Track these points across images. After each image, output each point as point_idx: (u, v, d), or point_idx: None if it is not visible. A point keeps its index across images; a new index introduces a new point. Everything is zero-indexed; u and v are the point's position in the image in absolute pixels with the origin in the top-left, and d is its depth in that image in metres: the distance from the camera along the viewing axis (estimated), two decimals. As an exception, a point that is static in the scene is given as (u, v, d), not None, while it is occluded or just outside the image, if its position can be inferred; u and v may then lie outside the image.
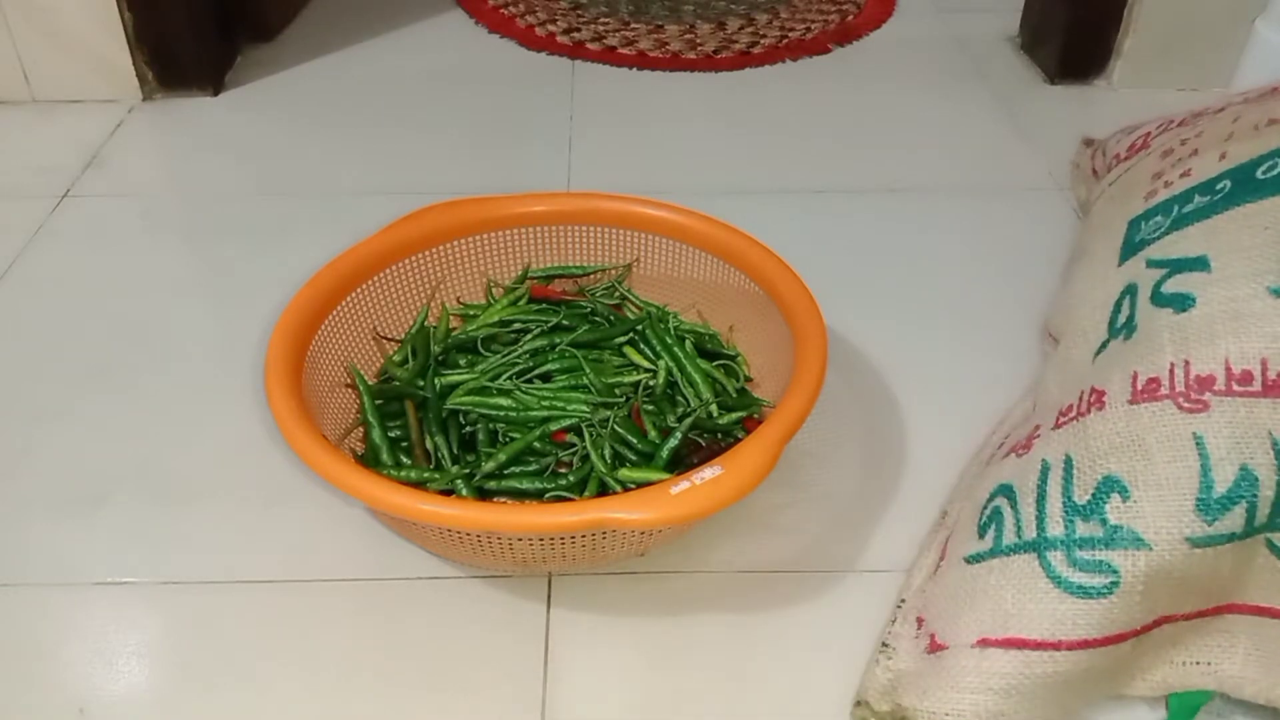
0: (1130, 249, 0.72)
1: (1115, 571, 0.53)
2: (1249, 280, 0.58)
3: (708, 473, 0.58)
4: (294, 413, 0.63)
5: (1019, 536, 0.58)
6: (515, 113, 1.22)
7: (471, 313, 0.82)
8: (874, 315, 0.89)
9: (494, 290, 0.84)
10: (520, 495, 0.69)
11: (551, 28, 1.43)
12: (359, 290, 0.76)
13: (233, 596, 0.66)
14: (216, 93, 1.24)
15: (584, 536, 0.61)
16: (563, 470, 0.69)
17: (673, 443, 0.69)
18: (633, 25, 1.44)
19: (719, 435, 0.72)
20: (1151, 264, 0.67)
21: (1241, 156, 0.68)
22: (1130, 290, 0.67)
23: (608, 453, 0.69)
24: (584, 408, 0.72)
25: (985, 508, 0.63)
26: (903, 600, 0.64)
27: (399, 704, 0.59)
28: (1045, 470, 0.60)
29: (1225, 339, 0.57)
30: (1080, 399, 0.62)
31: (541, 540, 0.61)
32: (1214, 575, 0.54)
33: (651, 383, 0.75)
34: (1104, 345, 0.66)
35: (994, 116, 1.21)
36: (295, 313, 0.71)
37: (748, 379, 0.79)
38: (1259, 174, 0.64)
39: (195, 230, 1.01)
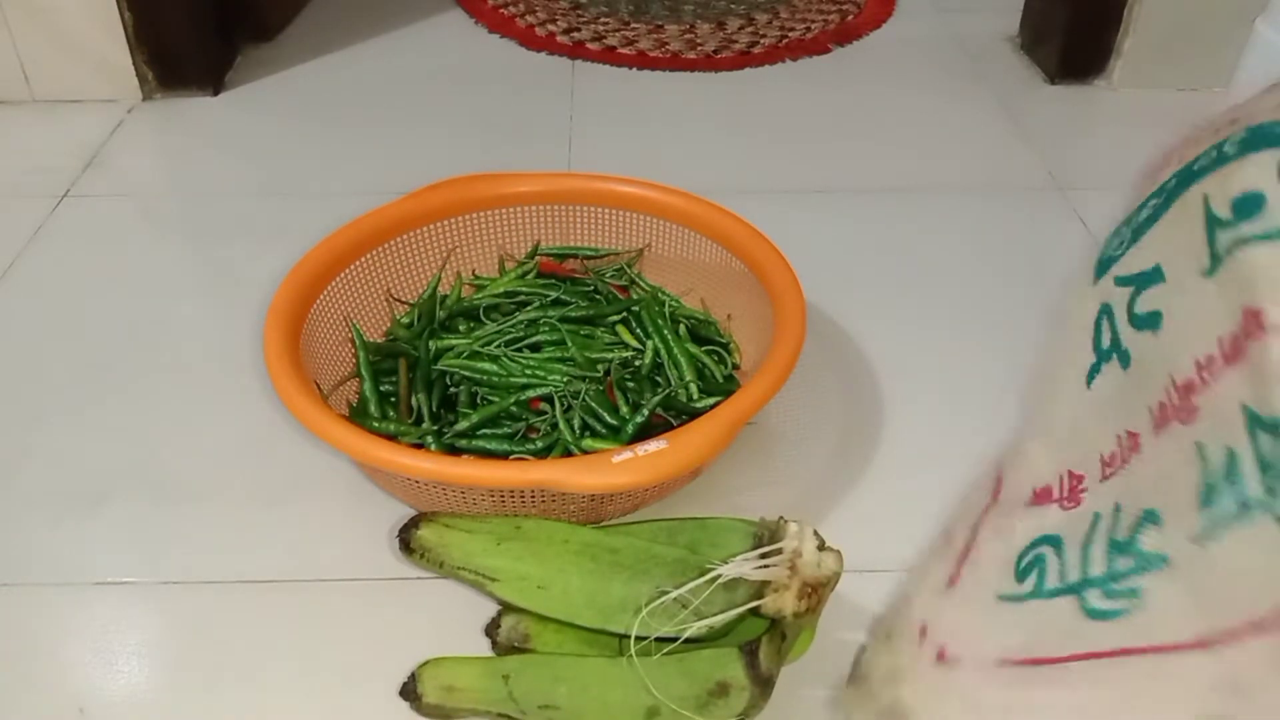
0: (1101, 267, 0.72)
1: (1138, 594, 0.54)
2: (1190, 276, 0.58)
3: (653, 445, 0.60)
4: (281, 357, 0.67)
5: (1062, 580, 0.59)
6: (515, 112, 1.22)
7: (483, 283, 0.85)
8: (872, 313, 0.89)
9: (506, 264, 0.87)
10: (488, 455, 0.71)
11: (551, 28, 1.43)
12: (375, 252, 0.80)
13: (233, 596, 0.66)
14: (216, 93, 1.24)
15: (532, 495, 0.63)
16: (533, 436, 0.71)
17: (639, 418, 0.71)
18: (633, 25, 1.44)
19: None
20: (1120, 281, 0.67)
21: (1189, 156, 0.68)
22: (1106, 311, 0.67)
23: (577, 423, 0.71)
24: (562, 379, 0.74)
25: (1025, 554, 0.63)
26: (908, 601, 0.64)
27: (400, 704, 0.59)
28: (1096, 520, 0.60)
29: (1193, 341, 0.57)
30: (1119, 445, 0.62)
31: (492, 495, 0.63)
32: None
33: (637, 361, 0.76)
34: (1095, 369, 0.66)
35: (994, 116, 1.21)
36: (305, 268, 0.75)
37: (736, 366, 0.79)
38: (1196, 166, 0.64)
39: (195, 230, 1.01)
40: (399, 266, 0.82)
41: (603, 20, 1.46)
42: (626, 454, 0.60)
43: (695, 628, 0.54)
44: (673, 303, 0.84)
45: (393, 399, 0.75)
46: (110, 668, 0.61)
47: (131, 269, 0.95)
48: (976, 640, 0.59)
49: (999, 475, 0.74)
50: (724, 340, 0.81)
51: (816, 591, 0.53)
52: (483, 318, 0.81)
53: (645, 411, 0.71)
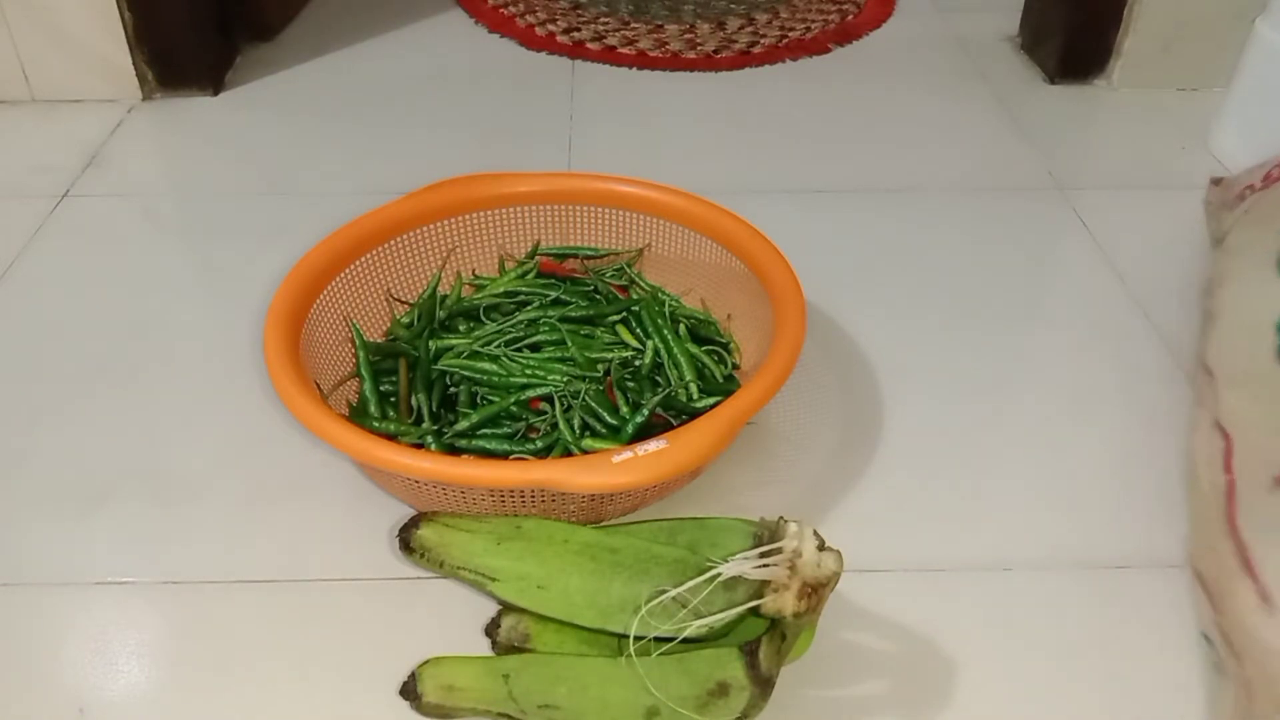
0: None
1: None
2: None
3: (653, 445, 0.60)
4: (281, 357, 0.67)
5: None
6: (515, 113, 1.22)
7: (483, 283, 0.85)
8: (872, 313, 0.89)
9: (506, 264, 0.87)
10: (488, 455, 0.71)
11: (551, 27, 1.43)
12: (375, 252, 0.80)
13: (233, 596, 0.66)
14: (216, 92, 1.24)
15: (532, 495, 0.63)
16: (533, 436, 0.71)
17: (639, 418, 0.71)
18: (633, 25, 1.44)
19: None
20: None
21: None
22: None
23: (577, 423, 0.71)
24: (562, 379, 0.74)
25: None
26: None
27: (400, 703, 0.59)
28: None
29: None
30: None
31: (492, 495, 0.63)
32: None
33: (637, 361, 0.76)
34: None
35: (994, 116, 1.21)
36: (305, 268, 0.75)
37: (736, 366, 0.79)
38: None
39: (195, 230, 1.01)
40: (399, 266, 0.82)
41: (603, 20, 1.46)
42: (626, 454, 0.60)
43: (695, 627, 0.54)
44: (673, 303, 0.84)
45: (393, 399, 0.75)
46: (110, 668, 0.61)
47: (131, 269, 0.95)
48: None
49: None
50: (724, 340, 0.81)
51: (816, 591, 0.53)
52: (483, 318, 0.81)
53: (645, 411, 0.71)
